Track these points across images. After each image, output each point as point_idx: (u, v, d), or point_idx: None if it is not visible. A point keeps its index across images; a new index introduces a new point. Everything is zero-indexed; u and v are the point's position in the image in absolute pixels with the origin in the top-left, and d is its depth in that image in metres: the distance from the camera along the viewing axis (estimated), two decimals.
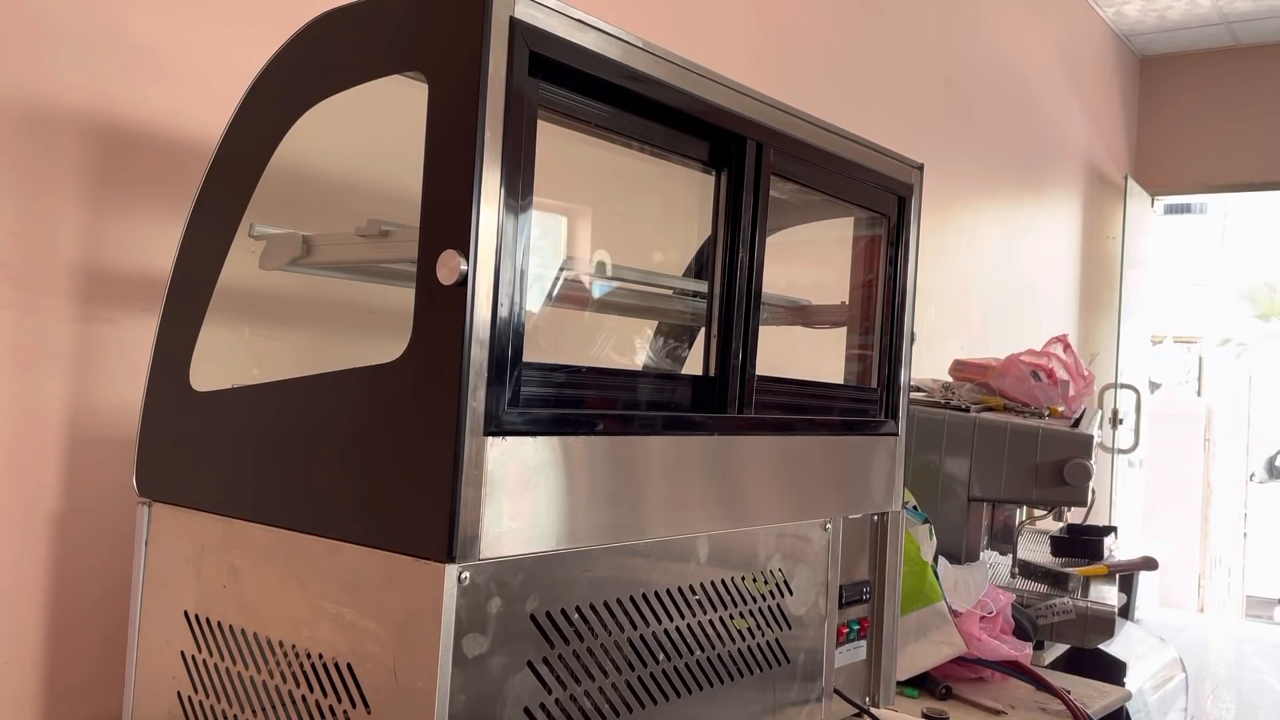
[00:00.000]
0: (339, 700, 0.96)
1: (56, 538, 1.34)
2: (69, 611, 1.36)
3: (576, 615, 1.02)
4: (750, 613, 1.25)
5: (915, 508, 1.92)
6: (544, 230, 1.60)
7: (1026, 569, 2.39)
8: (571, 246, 1.85)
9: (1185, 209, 11.76)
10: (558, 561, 0.99)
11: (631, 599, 1.09)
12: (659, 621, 1.12)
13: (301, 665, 1.00)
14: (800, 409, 1.35)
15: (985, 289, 4.14)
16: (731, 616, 1.22)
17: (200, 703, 1.09)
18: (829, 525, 1.39)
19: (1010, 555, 2.42)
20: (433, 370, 0.90)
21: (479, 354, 0.89)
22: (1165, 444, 7.07)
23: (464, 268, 0.88)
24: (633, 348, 1.81)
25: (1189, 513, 7.54)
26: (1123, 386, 5.03)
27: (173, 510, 1.13)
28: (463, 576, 0.90)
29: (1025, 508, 2.51)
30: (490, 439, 0.91)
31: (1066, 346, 2.46)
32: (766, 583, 1.28)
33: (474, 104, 0.89)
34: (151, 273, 1.42)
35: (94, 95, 1.36)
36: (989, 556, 2.36)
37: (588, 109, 1.07)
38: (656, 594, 1.12)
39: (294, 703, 1.00)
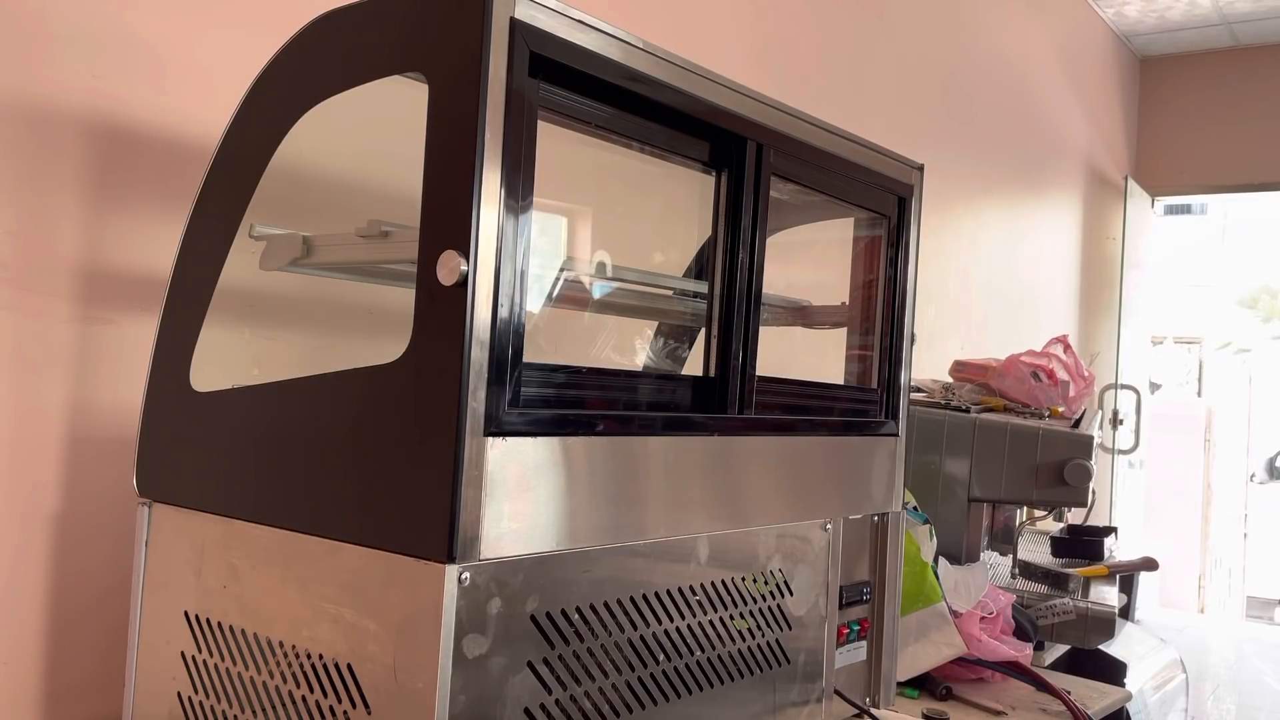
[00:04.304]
0: (339, 701, 0.96)
1: (56, 538, 1.34)
2: (69, 611, 1.36)
3: (577, 616, 1.02)
4: (750, 613, 1.25)
5: (915, 508, 1.92)
6: (544, 231, 1.60)
7: (1027, 570, 2.39)
8: (571, 247, 1.85)
9: (1185, 210, 11.76)
10: (558, 562, 0.99)
11: (632, 599, 1.09)
12: (659, 622, 1.12)
13: (302, 666, 1.00)
14: (800, 409, 1.35)
15: (985, 289, 4.14)
16: (732, 617, 1.22)
17: (200, 703, 1.09)
18: (829, 526, 1.38)
19: (1010, 556, 2.42)
20: (433, 371, 0.90)
21: (479, 354, 0.89)
22: (1165, 445, 7.07)
23: (464, 268, 0.88)
24: (633, 348, 1.81)
25: (1189, 513, 7.54)
26: (1123, 387, 5.03)
27: (173, 510, 1.13)
28: (463, 577, 0.90)
29: (1025, 508, 2.52)
30: (490, 439, 0.91)
31: (1067, 347, 2.46)
32: (767, 583, 1.28)
33: (474, 105, 0.89)
34: (151, 273, 1.42)
35: (94, 95, 1.36)
36: (989, 557, 2.36)
37: (588, 109, 1.07)
38: (657, 594, 1.12)
39: (294, 703, 1.00)
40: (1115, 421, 4.91)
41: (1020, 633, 1.97)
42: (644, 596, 1.10)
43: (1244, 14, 5.19)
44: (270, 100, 1.12)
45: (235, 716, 1.06)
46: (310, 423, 1.00)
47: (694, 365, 1.64)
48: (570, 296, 1.44)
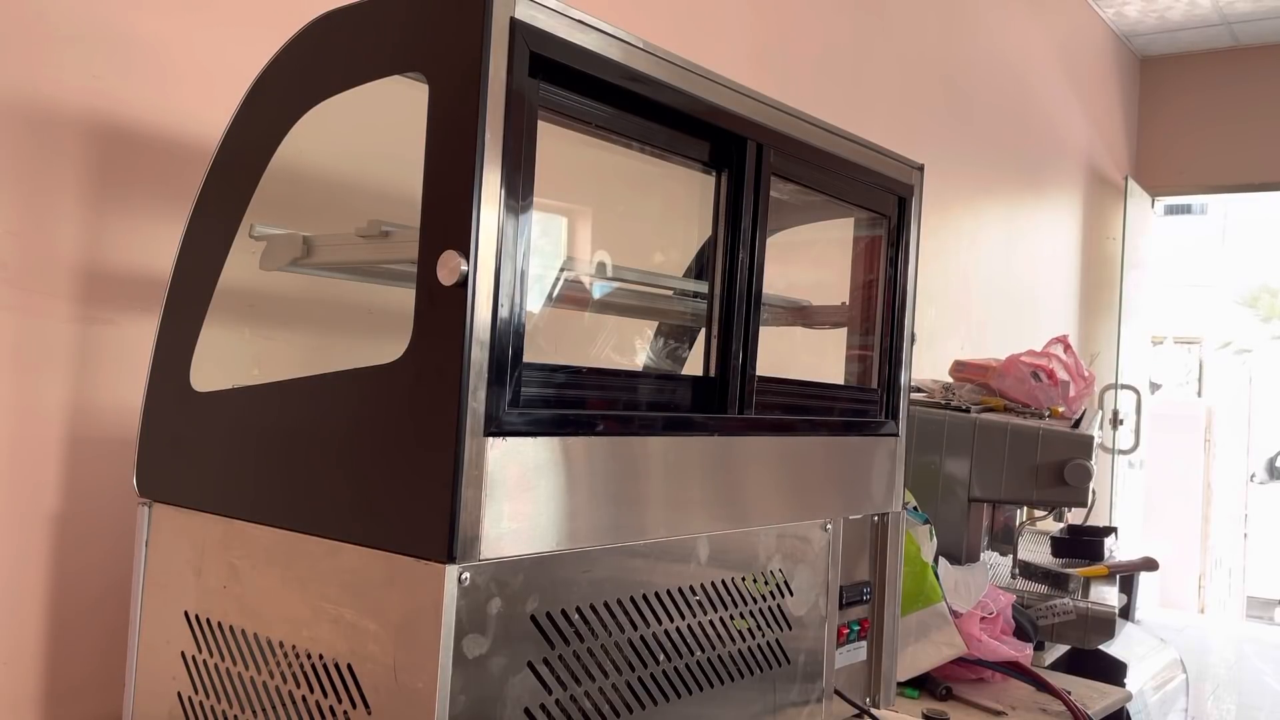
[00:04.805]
0: (339, 701, 0.96)
1: (56, 538, 1.34)
2: (69, 611, 1.36)
3: (577, 616, 1.02)
4: (750, 613, 1.25)
5: (916, 508, 1.92)
6: (544, 231, 1.60)
7: (1027, 570, 2.39)
8: (572, 247, 1.85)
9: (1185, 210, 11.77)
10: (558, 562, 0.99)
11: (632, 600, 1.09)
12: (659, 622, 1.12)
13: (302, 666, 1.00)
14: (800, 410, 1.35)
15: (985, 290, 4.14)
16: (732, 617, 1.22)
17: (201, 703, 1.09)
18: (829, 526, 1.38)
19: (1011, 556, 2.41)
20: (433, 371, 0.90)
21: (479, 355, 0.89)
22: (1165, 445, 7.07)
23: (464, 268, 0.88)
24: (633, 348, 1.81)
25: (1189, 513, 7.54)
26: (1123, 387, 5.03)
27: (173, 510, 1.13)
28: (463, 577, 0.90)
29: (1025, 508, 2.52)
30: (490, 440, 0.91)
31: (1067, 347, 2.46)
32: (767, 583, 1.28)
33: (474, 105, 0.89)
34: (151, 273, 1.42)
35: (94, 95, 1.36)
36: (989, 557, 2.36)
37: (588, 109, 1.07)
38: (657, 595, 1.12)
39: (294, 703, 1.00)
40: (1115, 421, 4.91)
41: (1020, 633, 1.97)
42: (644, 596, 1.10)
43: (1244, 14, 5.19)
44: (270, 100, 1.12)
45: (235, 716, 1.06)
46: (310, 423, 1.00)
47: (694, 365, 1.64)
48: (570, 296, 1.44)
